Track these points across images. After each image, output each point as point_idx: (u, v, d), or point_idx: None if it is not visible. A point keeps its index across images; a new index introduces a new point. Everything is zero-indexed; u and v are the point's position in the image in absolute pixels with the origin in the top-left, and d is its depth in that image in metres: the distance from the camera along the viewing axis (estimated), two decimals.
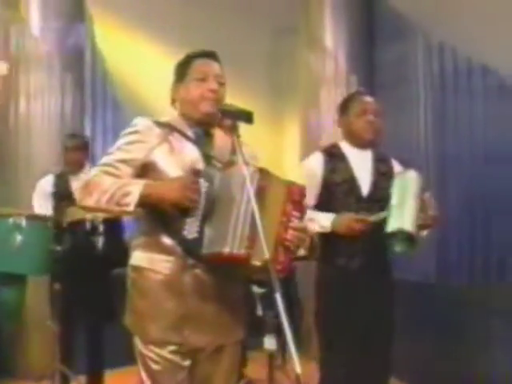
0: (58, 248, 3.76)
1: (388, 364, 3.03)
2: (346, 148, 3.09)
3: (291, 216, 2.11)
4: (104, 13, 5.51)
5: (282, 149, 6.42)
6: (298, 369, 1.65)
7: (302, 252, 2.77)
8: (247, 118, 2.13)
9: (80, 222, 3.83)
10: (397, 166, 3.14)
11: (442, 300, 4.27)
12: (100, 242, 3.86)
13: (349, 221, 2.85)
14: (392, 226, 2.76)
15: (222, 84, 2.30)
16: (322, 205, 2.98)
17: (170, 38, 5.60)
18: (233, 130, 2.13)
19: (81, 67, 5.21)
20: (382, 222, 2.79)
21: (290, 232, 2.09)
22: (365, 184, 2.99)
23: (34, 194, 4.26)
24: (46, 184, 4.22)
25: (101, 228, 3.86)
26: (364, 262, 2.93)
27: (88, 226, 3.85)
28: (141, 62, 5.71)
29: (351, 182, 2.99)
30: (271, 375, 3.76)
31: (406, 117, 4.98)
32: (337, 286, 2.95)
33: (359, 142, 3.06)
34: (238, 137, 2.12)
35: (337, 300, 2.93)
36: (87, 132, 5.23)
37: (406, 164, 3.18)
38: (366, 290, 2.92)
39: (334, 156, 3.06)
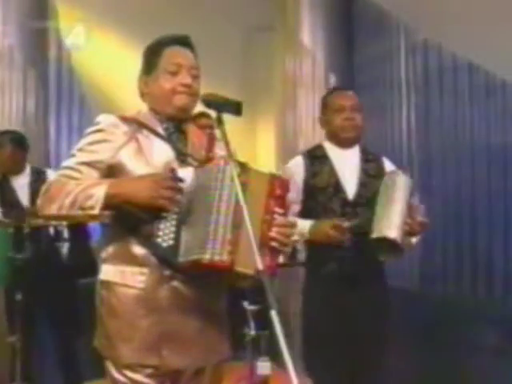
0: (19, 256, 3.52)
1: (381, 374, 2.84)
2: (330, 149, 2.91)
3: (274, 213, 1.89)
4: (70, 6, 5.28)
5: (256, 152, 6.21)
6: None
7: (281, 259, 2.56)
8: (235, 108, 1.89)
9: (43, 228, 3.62)
10: (388, 166, 2.94)
11: (425, 307, 4.12)
12: (65, 248, 3.68)
13: (324, 227, 2.66)
14: (376, 232, 2.59)
15: (196, 77, 2.07)
16: (306, 211, 2.80)
17: (140, 32, 5.33)
18: (218, 123, 1.88)
19: (45, 62, 4.98)
20: (368, 227, 2.62)
21: (275, 229, 1.87)
22: (350, 187, 2.81)
23: None
24: None
25: (65, 233, 3.69)
26: (353, 269, 2.73)
27: (52, 231, 3.68)
28: (109, 58, 5.51)
29: (335, 186, 2.80)
30: None
31: (388, 117, 4.80)
32: (323, 294, 2.76)
33: (339, 141, 2.89)
34: (224, 130, 1.87)
35: (323, 309, 2.75)
36: (51, 131, 5.02)
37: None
38: (356, 299, 2.73)
39: (316, 158, 2.87)
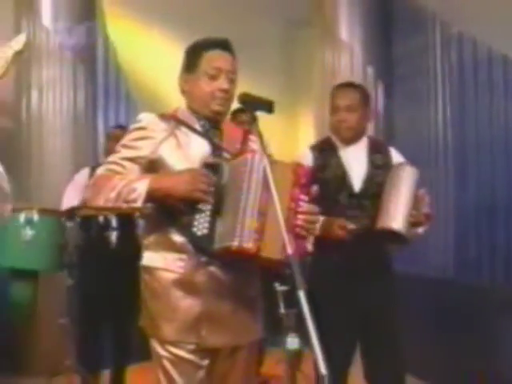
0: (71, 243, 3.74)
1: (400, 360, 2.92)
2: (338, 141, 2.98)
3: (299, 200, 2.03)
4: (116, 5, 5.48)
5: (297, 142, 6.34)
6: (323, 369, 1.58)
7: (309, 247, 2.69)
8: (268, 107, 2.06)
9: (94, 216, 3.79)
10: (395, 156, 3.00)
11: (459, 297, 4.18)
12: (113, 236, 3.83)
13: (333, 227, 2.75)
14: (381, 223, 2.67)
15: (233, 81, 2.22)
16: (314, 202, 2.90)
17: (183, 30, 5.52)
18: (252, 121, 2.05)
19: (93, 60, 5.17)
20: (373, 225, 2.70)
21: (300, 217, 2.01)
22: (357, 179, 2.88)
23: (69, 186, 4.11)
24: (81, 177, 4.06)
25: (114, 223, 3.83)
26: (358, 260, 2.82)
27: (101, 220, 3.82)
28: (153, 55, 5.68)
29: (342, 178, 2.88)
30: (292, 375, 3.72)
31: (424, 109, 4.86)
32: (330, 282, 2.85)
33: (339, 139, 2.96)
34: (257, 127, 2.05)
35: (330, 297, 2.82)
36: (99, 126, 5.20)
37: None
38: (362, 287, 2.82)
39: (324, 151, 2.95)
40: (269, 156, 2.07)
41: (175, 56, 5.20)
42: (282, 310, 2.09)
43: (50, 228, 3.72)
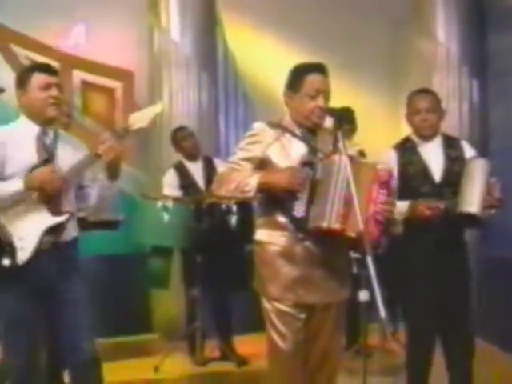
0: (198, 226, 4.41)
1: (468, 323, 3.43)
2: (417, 140, 3.46)
3: (379, 193, 2.61)
4: (233, 16, 6.00)
5: (401, 136, 6.68)
6: (383, 313, 2.17)
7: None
8: (347, 116, 2.66)
9: (217, 204, 4.44)
10: (467, 149, 3.47)
11: None
12: (233, 220, 4.46)
13: (421, 208, 3.25)
14: (460, 208, 3.20)
15: (328, 98, 2.80)
16: (401, 194, 3.36)
17: (293, 35, 6.03)
18: (338, 127, 2.71)
19: (214, 66, 5.82)
20: (454, 206, 3.22)
21: (379, 206, 2.59)
22: (437, 171, 3.37)
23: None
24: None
25: (234, 209, 4.46)
26: (443, 237, 3.32)
27: (223, 207, 4.45)
28: (268, 59, 6.07)
29: (424, 171, 3.37)
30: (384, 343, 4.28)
31: None
32: (419, 259, 3.36)
33: (420, 137, 3.42)
34: (342, 133, 2.68)
35: (420, 270, 3.36)
36: (221, 125, 5.85)
37: None
38: (445, 261, 3.32)
39: (406, 150, 3.45)
40: (354, 157, 2.70)
41: (287, 57, 5.74)
42: (355, 270, 2.72)
43: (182, 213, 4.44)
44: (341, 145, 2.68)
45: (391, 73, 6.55)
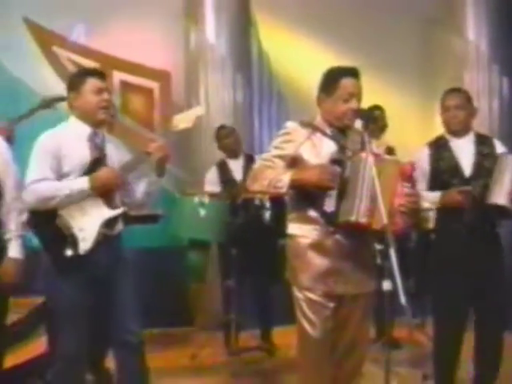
0: (234, 220, 4.56)
1: (502, 317, 3.55)
2: (450, 138, 3.60)
3: (403, 187, 2.77)
4: (267, 17, 6.19)
5: (434, 131, 6.76)
6: (403, 300, 2.32)
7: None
8: (372, 117, 2.80)
9: (251, 199, 4.60)
10: (499, 146, 3.59)
11: None
12: (267, 215, 4.61)
13: (453, 193, 3.41)
14: (490, 199, 3.35)
15: (359, 101, 2.93)
16: (433, 188, 3.55)
17: (326, 35, 6.19)
18: (365, 128, 2.88)
19: (249, 67, 5.99)
20: (484, 192, 3.37)
21: (404, 198, 2.75)
22: (467, 167, 3.50)
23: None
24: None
25: (267, 204, 4.61)
26: (475, 226, 3.45)
27: (257, 202, 4.60)
28: (301, 59, 6.26)
29: (455, 167, 3.52)
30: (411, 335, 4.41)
31: None
32: (451, 247, 3.50)
33: (451, 133, 3.57)
34: (369, 133, 2.85)
35: (450, 260, 3.50)
36: (255, 124, 6.02)
37: None
38: (479, 248, 3.45)
39: (439, 147, 3.59)
40: (379, 155, 2.85)
41: (320, 57, 5.88)
42: (379, 261, 2.89)
43: (218, 208, 4.59)
44: (367, 144, 2.82)
45: (422, 72, 6.67)
